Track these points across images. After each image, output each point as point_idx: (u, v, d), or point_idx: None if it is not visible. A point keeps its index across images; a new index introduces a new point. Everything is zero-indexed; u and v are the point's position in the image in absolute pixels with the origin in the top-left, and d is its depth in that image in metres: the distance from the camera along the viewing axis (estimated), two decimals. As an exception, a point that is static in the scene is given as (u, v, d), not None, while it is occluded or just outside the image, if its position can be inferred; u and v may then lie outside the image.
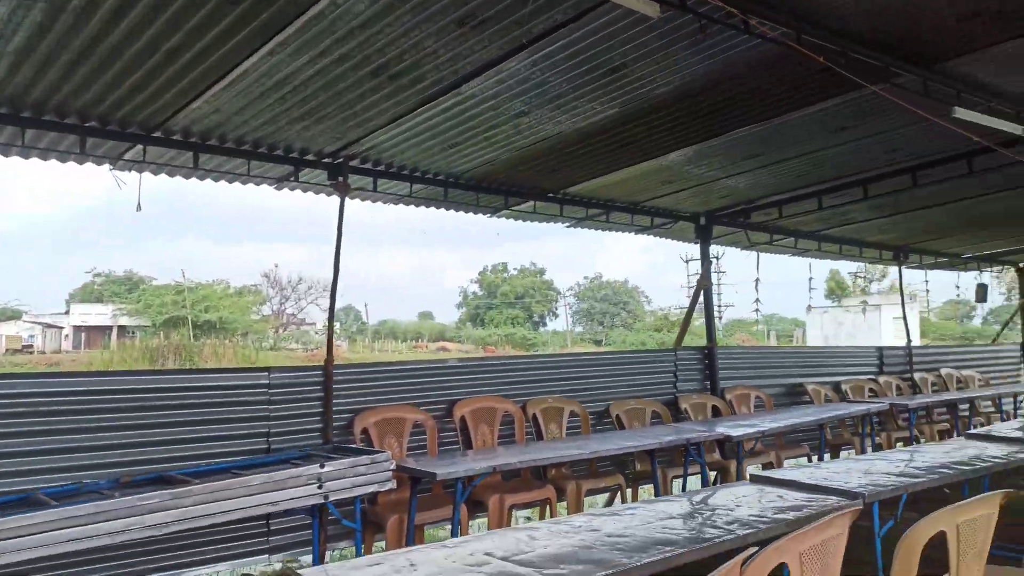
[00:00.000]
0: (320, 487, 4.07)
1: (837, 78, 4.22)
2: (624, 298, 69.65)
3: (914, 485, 3.68)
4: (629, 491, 6.04)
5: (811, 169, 6.20)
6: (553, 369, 6.58)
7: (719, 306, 62.28)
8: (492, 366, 6.51)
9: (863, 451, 7.60)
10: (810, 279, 11.91)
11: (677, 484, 6.48)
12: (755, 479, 3.83)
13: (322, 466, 4.10)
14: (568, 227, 7.50)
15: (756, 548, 2.08)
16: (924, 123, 5.13)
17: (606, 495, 6.38)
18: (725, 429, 5.79)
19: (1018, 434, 5.07)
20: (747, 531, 2.82)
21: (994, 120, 4.57)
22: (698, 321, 10.45)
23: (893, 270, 11.47)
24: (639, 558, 2.46)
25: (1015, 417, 9.81)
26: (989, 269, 11.71)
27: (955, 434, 8.50)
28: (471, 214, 6.63)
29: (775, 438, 7.22)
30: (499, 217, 6.92)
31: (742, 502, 3.30)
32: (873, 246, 9.65)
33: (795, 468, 4.00)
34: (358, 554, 4.58)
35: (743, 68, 4.16)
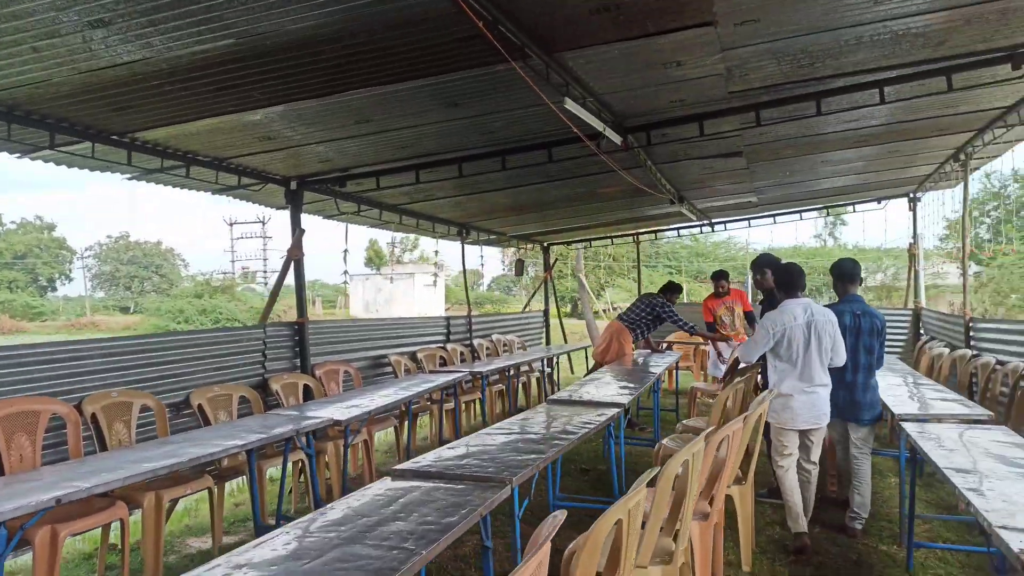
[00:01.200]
0: None
1: (471, 50, 4.10)
2: (157, 261, 63.18)
3: (544, 460, 3.80)
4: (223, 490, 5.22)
5: (414, 142, 6.09)
6: (117, 356, 5.32)
7: (265, 272, 61.06)
8: (25, 356, 4.94)
9: (440, 416, 7.96)
10: (345, 251, 12.11)
11: (274, 472, 5.86)
12: (401, 474, 3.54)
13: None
14: (130, 179, 6.14)
15: None
16: (527, 109, 5.43)
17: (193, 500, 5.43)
18: (331, 413, 5.37)
19: (588, 397, 5.74)
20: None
21: (589, 115, 5.00)
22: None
23: (424, 241, 12.32)
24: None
25: (547, 375, 11.44)
26: (525, 246, 13.42)
27: (511, 397, 9.52)
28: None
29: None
30: (36, 159, 5.27)
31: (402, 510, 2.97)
32: (443, 222, 10.16)
33: (431, 460, 3.82)
34: None
35: (383, 22, 3.72)
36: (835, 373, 5.17)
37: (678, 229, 13.39)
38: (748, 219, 12.69)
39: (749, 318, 8.87)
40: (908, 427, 4.67)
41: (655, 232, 13.53)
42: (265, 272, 61.01)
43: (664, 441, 5.72)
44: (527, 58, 4.12)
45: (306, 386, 6.80)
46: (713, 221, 12.67)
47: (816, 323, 5.02)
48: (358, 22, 3.68)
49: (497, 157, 6.44)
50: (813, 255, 51.22)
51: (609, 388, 6.26)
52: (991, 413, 5.17)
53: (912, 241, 11.86)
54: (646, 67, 4.65)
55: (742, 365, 6.56)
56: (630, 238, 13.55)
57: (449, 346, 9.88)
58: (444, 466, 3.62)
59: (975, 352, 7.90)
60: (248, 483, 5.27)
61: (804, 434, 5.17)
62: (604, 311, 35.13)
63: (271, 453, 5.65)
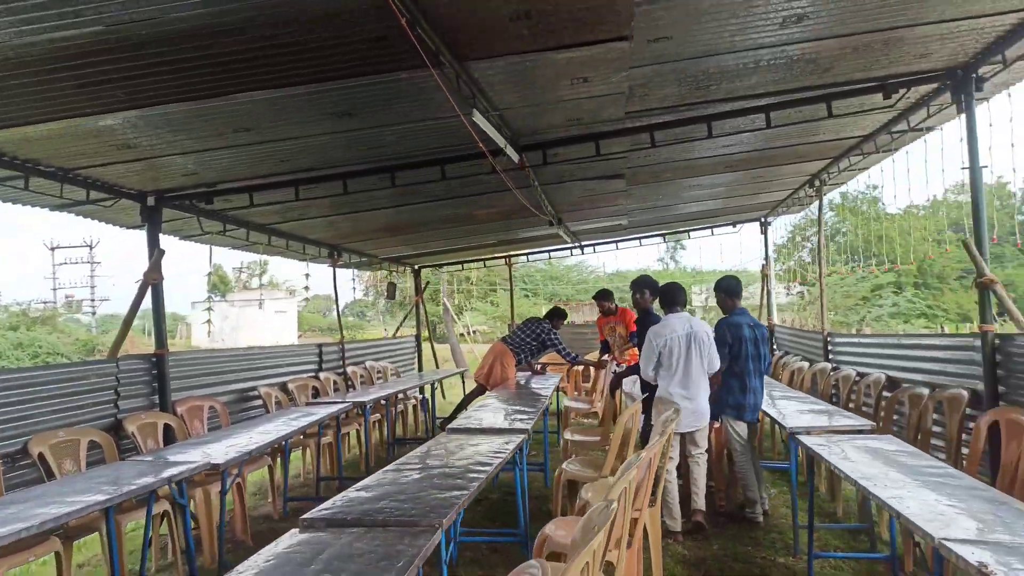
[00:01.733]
0: None
1: (381, 53, 3.80)
2: (-39, 290, 56.22)
3: (468, 496, 3.50)
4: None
5: (297, 155, 5.63)
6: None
7: (93, 300, 55.73)
8: None
9: (317, 451, 7.38)
10: (209, 273, 11.20)
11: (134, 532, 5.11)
12: (311, 524, 3.11)
13: None
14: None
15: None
16: (424, 123, 5.15)
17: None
18: (202, 455, 4.76)
19: (488, 424, 5.49)
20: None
21: (493, 131, 4.80)
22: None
23: (274, 265, 11.69)
24: None
25: (422, 402, 11.04)
26: (396, 269, 12.99)
27: (391, 427, 9.06)
28: None
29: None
30: None
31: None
32: (314, 243, 9.58)
33: (341, 505, 3.41)
34: None
35: (295, 15, 3.33)
36: (738, 378, 5.86)
37: (549, 252, 13.50)
38: (616, 242, 13.00)
39: (631, 336, 8.91)
40: (806, 440, 4.80)
41: (527, 255, 13.57)
42: (93, 301, 55.84)
43: (565, 467, 5.58)
44: (441, 65, 3.86)
45: (167, 426, 6.05)
46: (583, 244, 12.87)
47: (695, 335, 5.61)
48: (266, 12, 3.27)
49: (386, 174, 6.08)
50: (657, 278, 54.20)
51: (504, 414, 6.04)
52: (873, 423, 5.45)
53: (764, 262, 12.62)
54: (552, 81, 4.52)
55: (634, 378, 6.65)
56: (502, 261, 13.49)
57: (322, 375, 9.27)
58: (361, 511, 3.22)
59: (834, 365, 8.42)
60: (105, 542, 4.54)
61: (688, 436, 5.70)
62: (463, 334, 35.08)
63: (129, 506, 4.92)
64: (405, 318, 14.05)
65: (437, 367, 14.37)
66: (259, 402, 7.79)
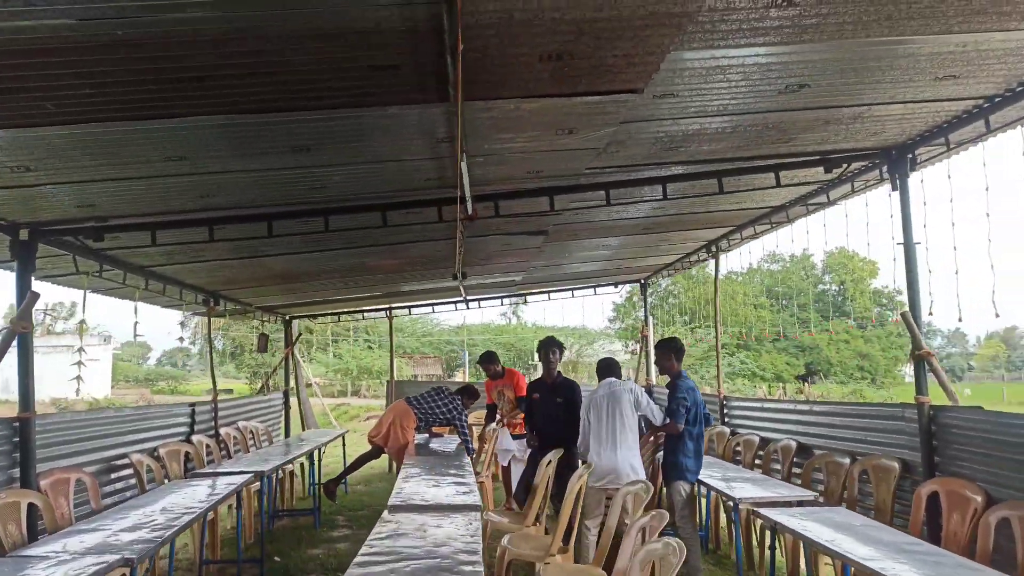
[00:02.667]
0: None
1: (393, 83, 3.39)
2: None
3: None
4: None
5: (224, 189, 4.93)
6: None
7: None
8: None
9: (203, 530, 6.40)
10: (82, 321, 9.53)
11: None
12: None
13: None
14: None
15: None
16: (379, 164, 4.72)
17: None
18: (107, 552, 3.87)
19: (436, 501, 4.97)
20: None
21: (466, 177, 4.45)
22: None
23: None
24: None
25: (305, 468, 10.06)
26: (266, 319, 11.98)
27: (271, 499, 8.10)
28: None
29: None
30: None
31: None
32: (191, 288, 8.57)
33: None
34: None
35: (293, 30, 2.84)
36: (695, 441, 5.94)
37: (433, 305, 13.05)
38: (501, 297, 12.84)
39: (519, 401, 8.23)
40: (770, 515, 4.71)
41: (409, 308, 13.03)
42: None
43: (506, 544, 5.19)
44: (444, 102, 3.50)
45: (31, 506, 4.96)
46: (469, 299, 12.57)
47: (614, 395, 5.94)
48: (266, 25, 2.76)
49: (319, 217, 5.49)
50: (501, 332, 54.94)
51: (444, 487, 5.51)
52: (815, 493, 5.52)
53: (644, 323, 12.94)
54: (539, 130, 4.28)
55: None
56: (383, 313, 12.84)
57: (195, 438, 8.19)
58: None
59: (732, 429, 8.60)
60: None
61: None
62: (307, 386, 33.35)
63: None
64: (273, 372, 12.95)
65: (304, 427, 13.32)
66: (128, 472, 6.67)
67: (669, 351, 6.13)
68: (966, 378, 79.39)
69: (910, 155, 5.21)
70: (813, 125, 4.72)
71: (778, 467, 7.25)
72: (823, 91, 4.10)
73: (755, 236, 8.06)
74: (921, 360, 5.20)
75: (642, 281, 12.83)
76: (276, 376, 13.03)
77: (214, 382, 9.27)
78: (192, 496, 5.39)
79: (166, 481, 6.92)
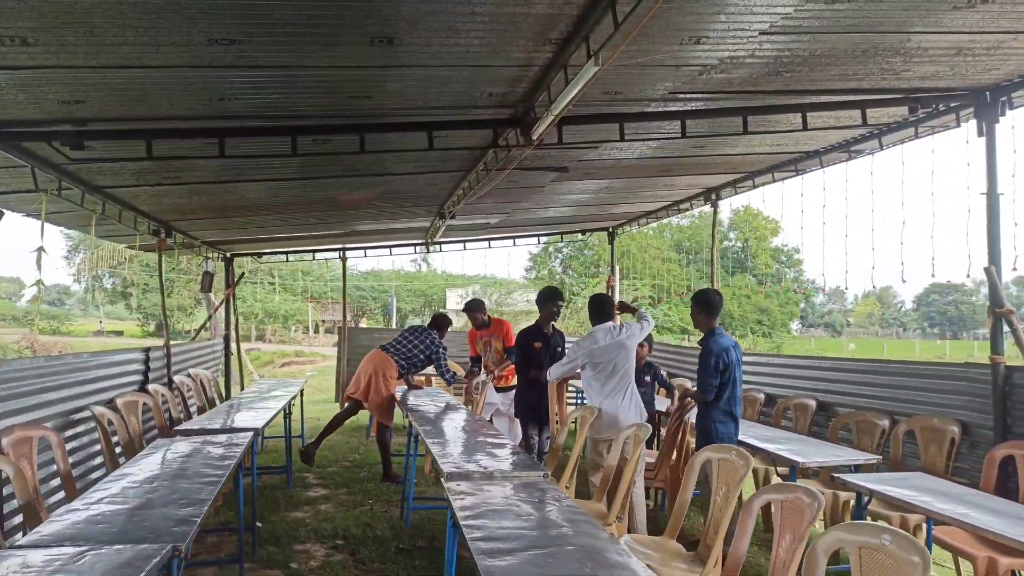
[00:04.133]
0: None
1: None
2: None
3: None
4: None
5: (250, 92, 4.00)
6: None
7: None
8: None
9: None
10: (40, 248, 8.10)
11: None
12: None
13: None
14: None
15: None
16: (456, 69, 3.93)
17: None
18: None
19: (494, 467, 4.37)
20: None
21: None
22: None
23: None
24: None
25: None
26: (209, 255, 10.77)
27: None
28: None
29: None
30: None
31: None
32: (145, 216, 7.41)
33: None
34: None
35: None
36: (727, 410, 5.29)
37: (391, 248, 12.13)
38: (463, 242, 12.10)
39: (508, 352, 7.66)
40: (859, 480, 4.37)
41: (365, 249, 12.04)
42: None
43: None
44: None
45: (-5, 474, 4.01)
46: (432, 242, 11.75)
47: (621, 345, 5.57)
48: None
49: (355, 134, 4.62)
50: (412, 279, 53.88)
51: (501, 454, 4.86)
52: (877, 456, 5.25)
53: (611, 272, 12.56)
54: (665, 35, 3.61)
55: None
56: (335, 253, 11.81)
57: (151, 388, 7.17)
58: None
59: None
60: None
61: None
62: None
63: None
64: (211, 316, 11.78)
65: (241, 373, 12.25)
66: (89, 426, 5.69)
67: (702, 305, 5.60)
68: (845, 333, 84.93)
69: (1003, 98, 4.87)
70: (903, 51, 4.20)
71: (788, 425, 7.03)
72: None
73: (772, 182, 7.68)
74: (1000, 318, 4.96)
75: (610, 229, 12.38)
76: (173, 318, 11.85)
77: (166, 324, 8.20)
78: (193, 459, 4.52)
79: (129, 437, 5.97)
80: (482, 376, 8.00)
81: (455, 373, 7.84)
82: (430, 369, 7.95)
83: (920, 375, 5.90)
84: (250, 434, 5.18)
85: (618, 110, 4.81)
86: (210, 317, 11.74)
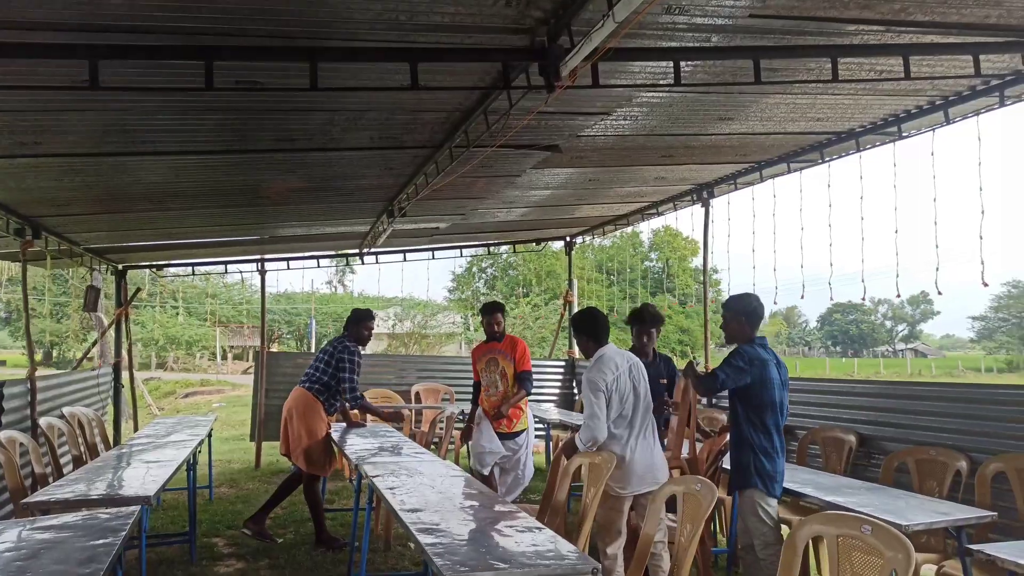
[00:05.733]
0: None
1: None
2: None
3: None
4: None
5: None
6: None
7: None
8: None
9: None
10: None
11: None
12: None
13: None
14: None
15: None
16: None
17: None
18: None
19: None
20: None
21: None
22: None
23: None
24: None
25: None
26: (94, 267, 8.81)
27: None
28: None
29: None
30: None
31: None
32: (3, 207, 5.59)
33: None
34: None
35: None
36: (765, 433, 4.18)
37: (318, 258, 10.41)
38: (404, 251, 10.53)
39: (520, 379, 5.72)
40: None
41: (287, 260, 10.26)
42: None
43: None
44: None
45: None
46: (367, 252, 10.13)
47: (639, 367, 4.47)
48: None
49: (304, 60, 3.10)
50: (328, 301, 51.29)
51: (516, 532, 3.43)
52: (990, 512, 4.05)
53: (568, 287, 11.29)
54: None
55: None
56: (252, 266, 9.99)
57: (3, 435, 5.31)
58: None
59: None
60: None
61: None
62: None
63: None
64: (96, 340, 9.75)
65: (134, 406, 10.20)
66: None
67: (739, 313, 4.39)
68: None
69: None
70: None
71: (817, 464, 5.85)
72: None
73: (785, 172, 6.54)
74: None
75: (567, 239, 11.12)
76: (63, 345, 9.85)
77: (31, 353, 6.29)
78: (44, 558, 2.85)
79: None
80: (448, 410, 6.43)
81: (361, 396, 6.12)
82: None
83: (1001, 401, 4.82)
84: (135, 509, 3.50)
85: (675, 42, 3.47)
86: (95, 342, 9.71)
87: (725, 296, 6.57)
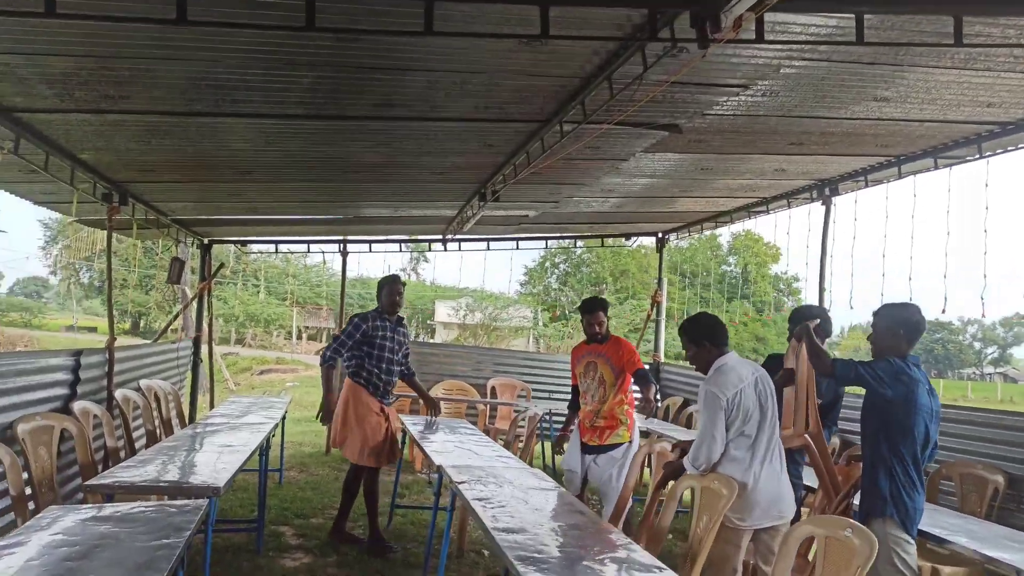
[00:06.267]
0: None
1: None
2: None
3: None
4: None
5: None
6: None
7: None
8: None
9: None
10: None
11: None
12: None
13: None
14: None
15: None
16: None
17: None
18: None
19: None
20: None
21: None
22: None
23: None
24: None
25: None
26: (180, 239, 8.71)
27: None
28: None
29: None
30: None
31: None
32: (86, 170, 5.40)
33: None
34: None
35: None
36: (902, 463, 3.54)
37: (401, 242, 10.10)
38: (488, 239, 10.10)
39: (639, 378, 5.05)
40: None
41: (370, 243, 9.98)
42: None
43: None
44: None
45: None
46: (450, 238, 9.74)
47: (766, 380, 3.84)
48: None
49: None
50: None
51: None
52: None
53: (658, 287, 10.64)
54: None
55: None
56: (335, 247, 9.75)
57: (77, 406, 5.12)
58: None
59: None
60: None
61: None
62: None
63: None
64: (177, 315, 9.71)
65: (212, 380, 10.14)
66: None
67: (898, 324, 3.72)
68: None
69: None
70: None
71: (950, 503, 5.12)
72: None
73: (932, 168, 5.76)
74: None
75: (659, 235, 10.47)
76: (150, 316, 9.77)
77: (111, 321, 6.12)
78: (95, 558, 2.51)
79: (22, 487, 3.93)
80: (532, 410, 5.90)
81: (333, 363, 5.48)
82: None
83: None
84: (202, 503, 3.14)
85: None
86: (178, 315, 9.66)
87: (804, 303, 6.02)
